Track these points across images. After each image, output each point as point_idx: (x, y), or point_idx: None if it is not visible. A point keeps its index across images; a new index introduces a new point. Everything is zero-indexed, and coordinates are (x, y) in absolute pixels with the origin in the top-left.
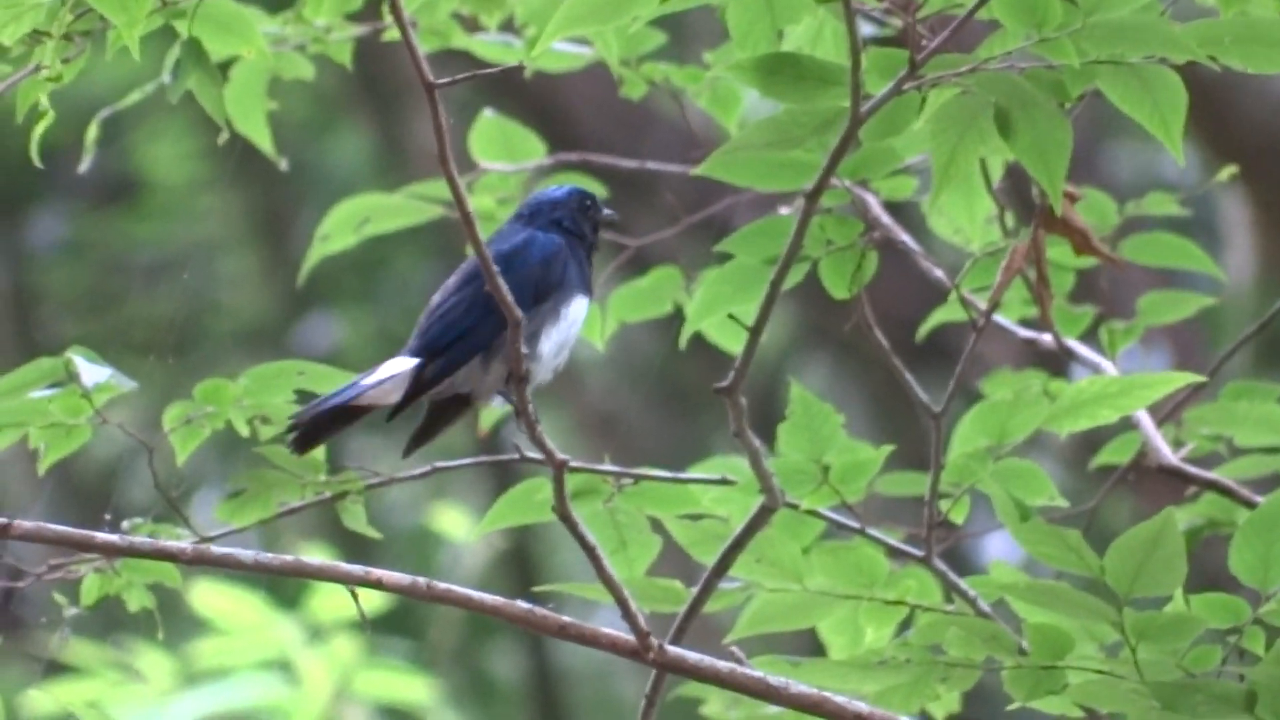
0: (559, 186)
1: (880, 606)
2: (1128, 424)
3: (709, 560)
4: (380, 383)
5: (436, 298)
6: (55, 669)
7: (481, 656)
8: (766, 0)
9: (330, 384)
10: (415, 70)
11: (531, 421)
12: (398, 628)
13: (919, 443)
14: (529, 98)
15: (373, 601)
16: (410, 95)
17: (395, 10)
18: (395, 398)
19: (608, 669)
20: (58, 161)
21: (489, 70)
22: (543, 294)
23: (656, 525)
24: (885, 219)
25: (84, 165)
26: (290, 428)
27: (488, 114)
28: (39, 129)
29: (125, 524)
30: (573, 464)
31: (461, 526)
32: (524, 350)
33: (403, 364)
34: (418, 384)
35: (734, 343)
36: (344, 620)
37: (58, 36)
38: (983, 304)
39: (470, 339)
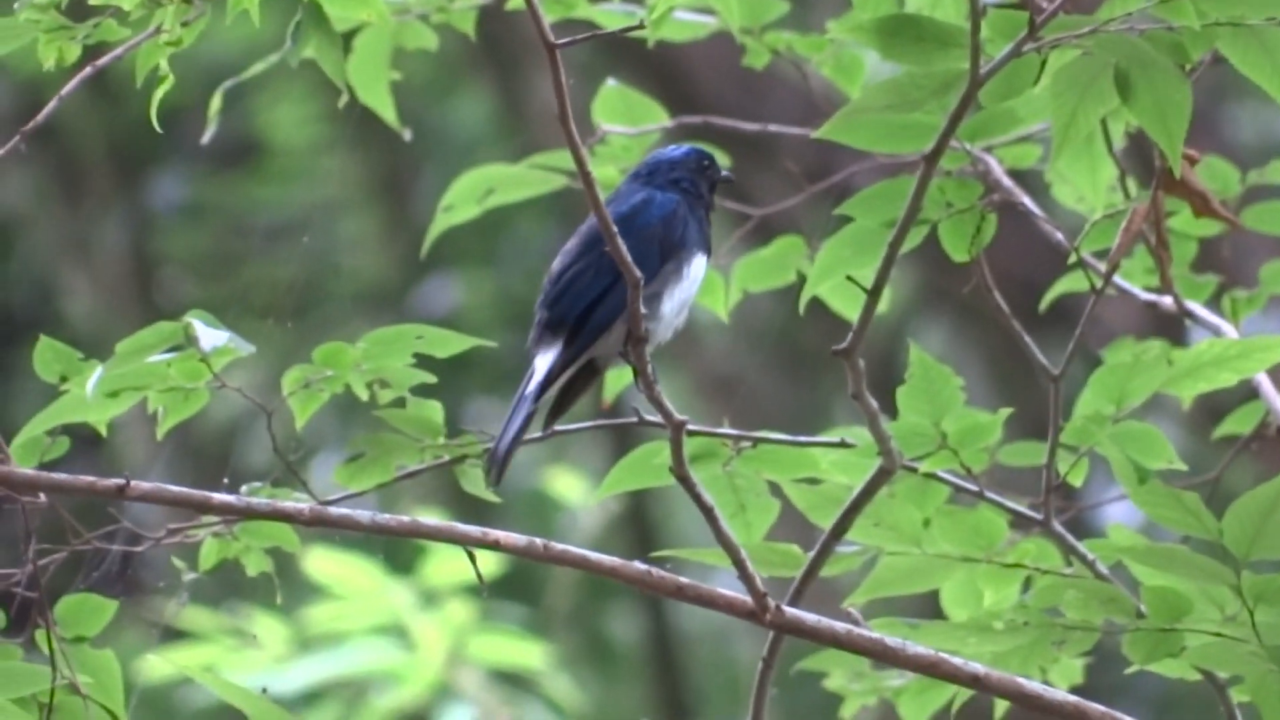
0: (677, 146)
1: (999, 570)
2: (1251, 392)
3: (827, 524)
4: (541, 386)
5: (557, 264)
6: (173, 634)
7: (598, 619)
8: None
9: (448, 347)
10: (537, 31)
11: (650, 382)
12: (514, 592)
13: (1038, 406)
14: (651, 62)
15: (489, 566)
16: (531, 57)
17: None
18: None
19: (725, 631)
20: (179, 124)
21: (609, 31)
22: (668, 252)
23: (775, 489)
24: (1006, 181)
25: (206, 136)
26: (488, 469)
27: (611, 83)
28: (158, 94)
29: (243, 488)
30: (691, 426)
31: (578, 490)
32: (644, 311)
33: (549, 355)
34: (564, 365)
35: (852, 308)
36: (458, 585)
37: (177, 2)
38: (1103, 267)
39: (604, 307)
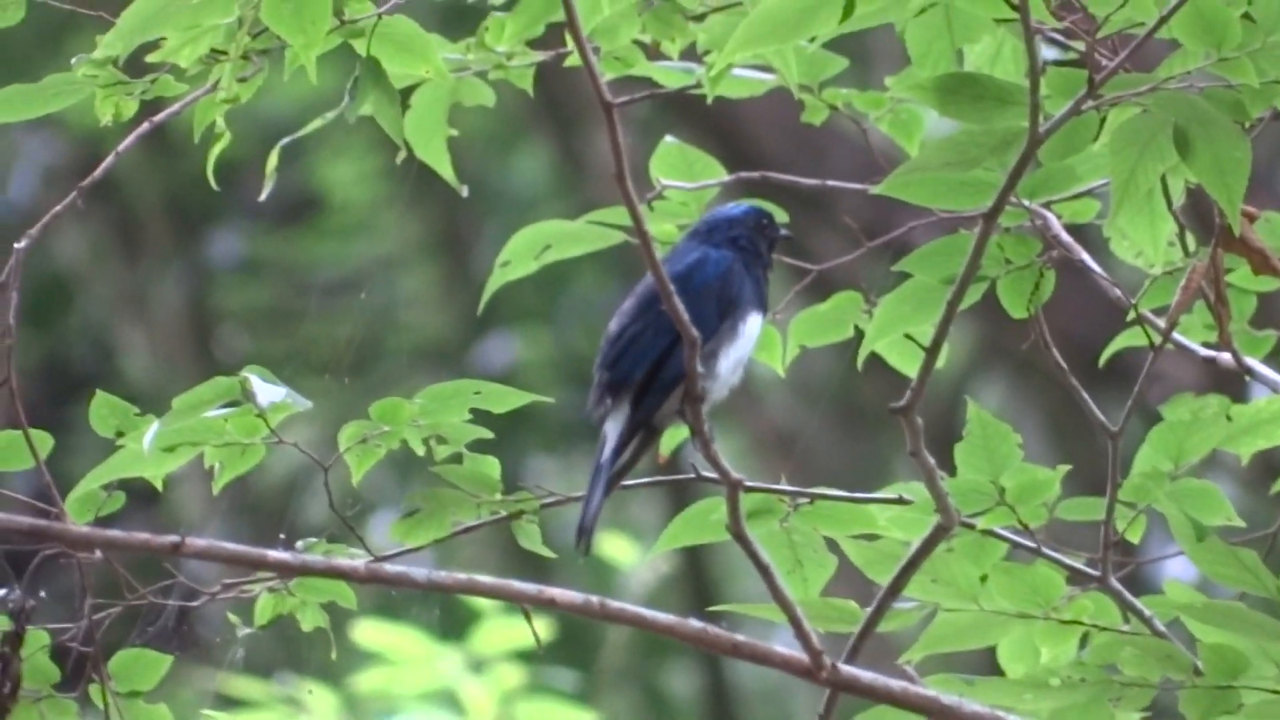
0: (736, 205)
1: (1056, 626)
2: None
3: (884, 580)
4: (616, 452)
5: (615, 324)
6: (226, 695)
7: (654, 676)
8: (945, 19)
9: (505, 402)
10: (594, 90)
11: (707, 441)
12: (569, 654)
13: (1095, 463)
14: (710, 119)
15: (543, 628)
16: (591, 114)
17: (574, 29)
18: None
19: (781, 688)
20: (237, 180)
21: (666, 90)
22: (725, 310)
23: (832, 545)
24: (1065, 237)
25: (264, 194)
26: (578, 544)
27: (669, 140)
28: (215, 151)
29: (299, 544)
30: (748, 483)
31: (630, 553)
32: (700, 370)
33: (618, 420)
34: (634, 429)
35: (910, 364)
36: (510, 651)
37: (234, 59)
38: (1161, 323)
39: (669, 368)
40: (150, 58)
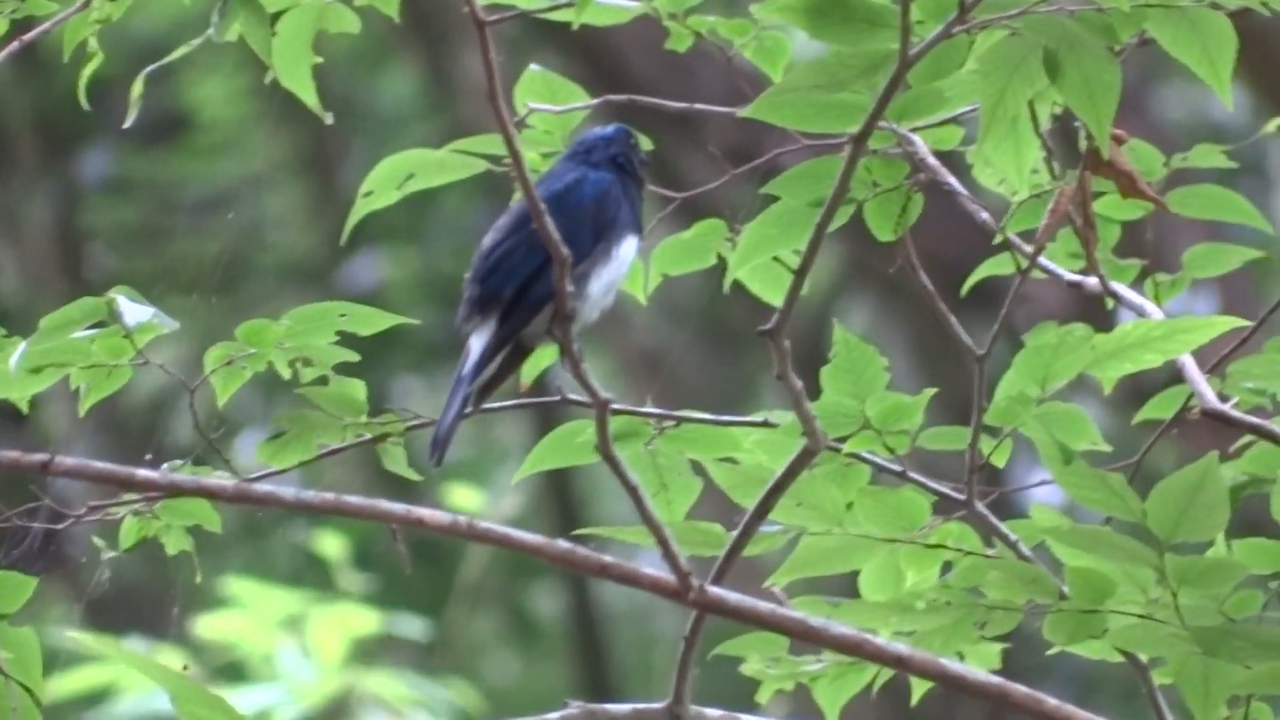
0: (606, 126)
1: (921, 550)
2: (1174, 376)
3: (750, 503)
4: (477, 366)
5: (489, 239)
6: (93, 611)
7: (519, 597)
8: None
9: (372, 324)
10: (468, 7)
11: (576, 361)
12: (430, 576)
13: (963, 386)
14: (578, 40)
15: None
16: (458, 33)
17: None
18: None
19: (645, 610)
20: (107, 99)
21: (538, 9)
22: (599, 232)
23: (697, 468)
24: (931, 160)
25: (128, 120)
26: (430, 449)
27: (534, 68)
28: (87, 71)
29: (165, 465)
30: (615, 405)
31: (476, 502)
32: (571, 289)
33: (483, 335)
34: (499, 345)
35: (775, 291)
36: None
37: None
38: (1028, 248)
39: (538, 285)
40: None
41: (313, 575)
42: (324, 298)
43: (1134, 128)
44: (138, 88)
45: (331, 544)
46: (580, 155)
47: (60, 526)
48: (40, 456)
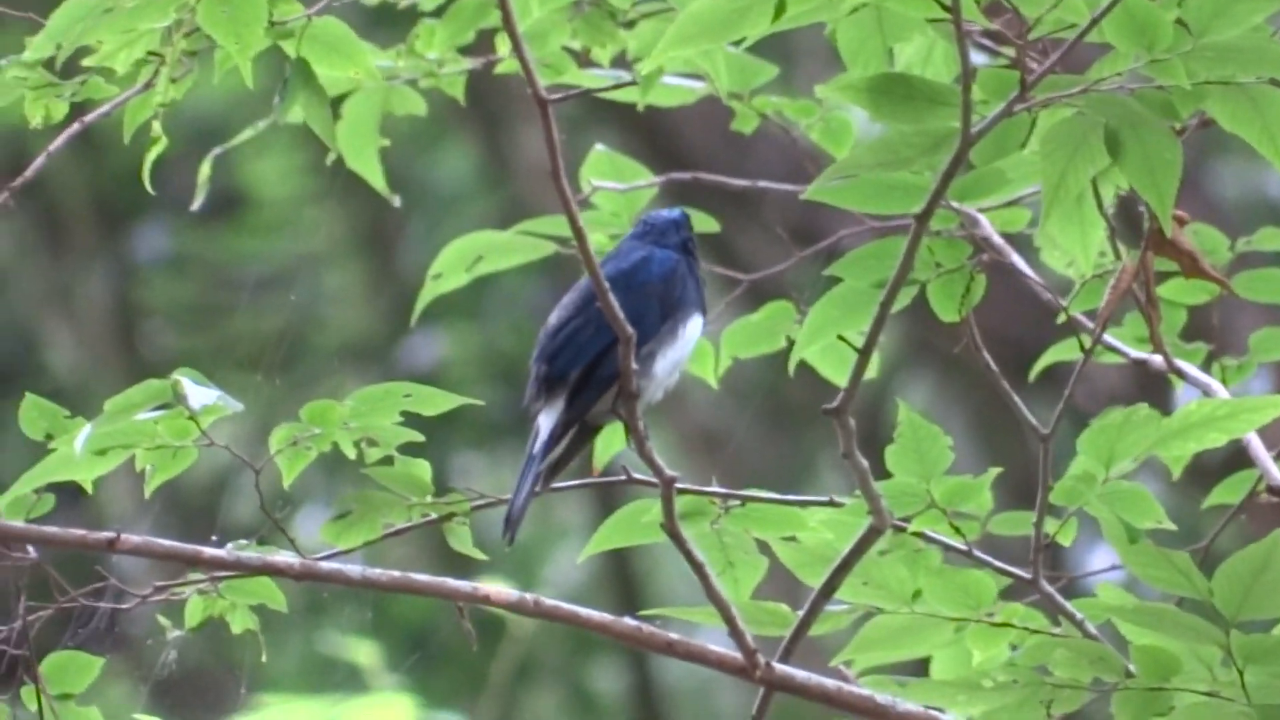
0: (670, 209)
1: (987, 629)
2: (1236, 454)
3: (815, 582)
4: (547, 445)
5: (555, 318)
6: (159, 690)
7: (580, 674)
8: (877, 20)
9: (436, 405)
10: (530, 85)
11: (642, 439)
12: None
13: (1022, 463)
14: (639, 118)
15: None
16: (518, 111)
17: (509, 28)
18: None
19: (708, 687)
20: (164, 176)
21: (601, 88)
22: (667, 311)
23: (762, 546)
24: (996, 239)
25: (196, 203)
26: (505, 533)
27: (599, 148)
28: (151, 155)
29: (229, 544)
30: (680, 484)
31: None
32: (636, 368)
33: (552, 414)
34: (568, 424)
35: (840, 371)
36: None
37: (171, 64)
38: (1091, 326)
39: (606, 364)
40: (85, 62)
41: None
42: (383, 376)
43: (1190, 204)
44: (205, 170)
45: (363, 649)
46: (650, 236)
47: (126, 607)
48: (106, 534)
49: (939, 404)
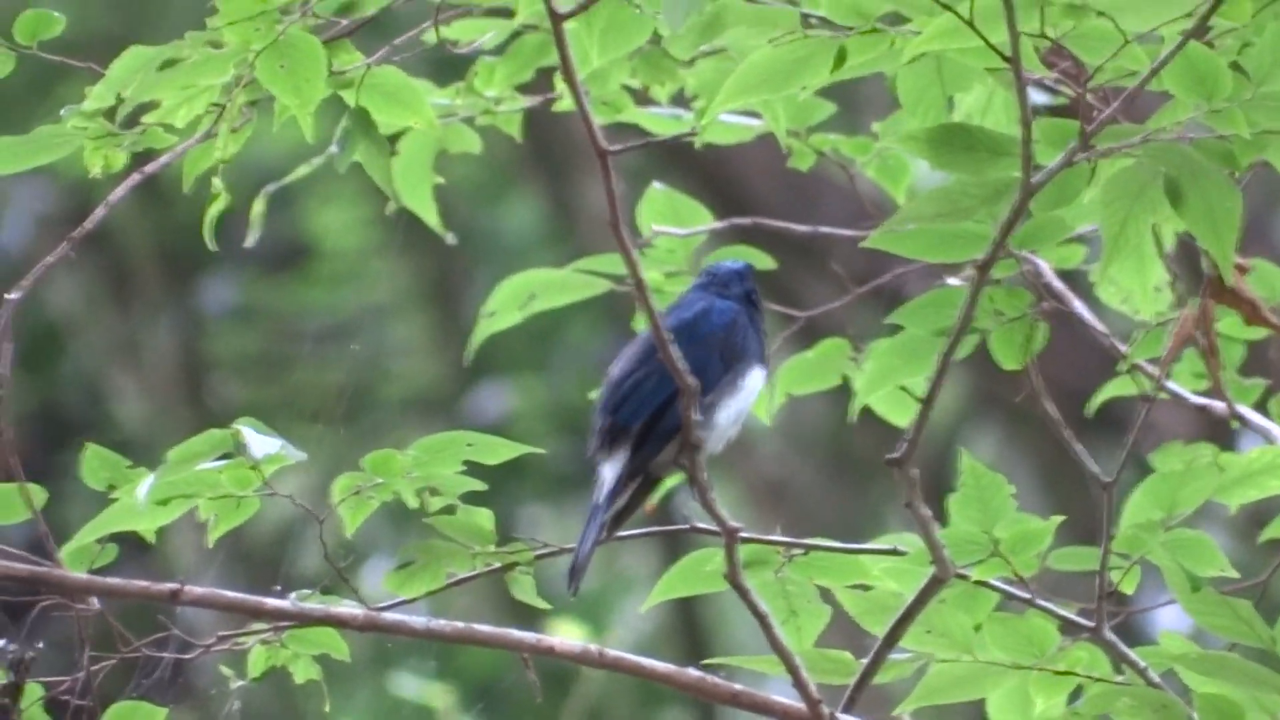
0: (734, 260)
1: (1050, 677)
2: None
3: (878, 631)
4: (611, 494)
5: (618, 369)
6: None
7: None
8: (937, 69)
9: (498, 454)
10: (589, 137)
11: (704, 489)
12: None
13: (1089, 512)
14: (700, 165)
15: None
16: (581, 162)
17: (569, 77)
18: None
19: None
20: (228, 227)
21: (661, 138)
22: (729, 362)
23: (825, 595)
24: (1057, 285)
25: (250, 241)
26: (570, 583)
27: (657, 186)
28: (212, 211)
29: (293, 594)
30: (744, 534)
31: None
32: (698, 418)
33: (616, 464)
34: (632, 474)
35: (902, 415)
36: None
37: (231, 119)
38: (1153, 372)
39: (668, 416)
40: (146, 118)
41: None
42: (449, 428)
43: (1258, 252)
44: (258, 207)
45: (437, 693)
46: (714, 286)
47: (190, 656)
48: (170, 585)
49: (1006, 454)
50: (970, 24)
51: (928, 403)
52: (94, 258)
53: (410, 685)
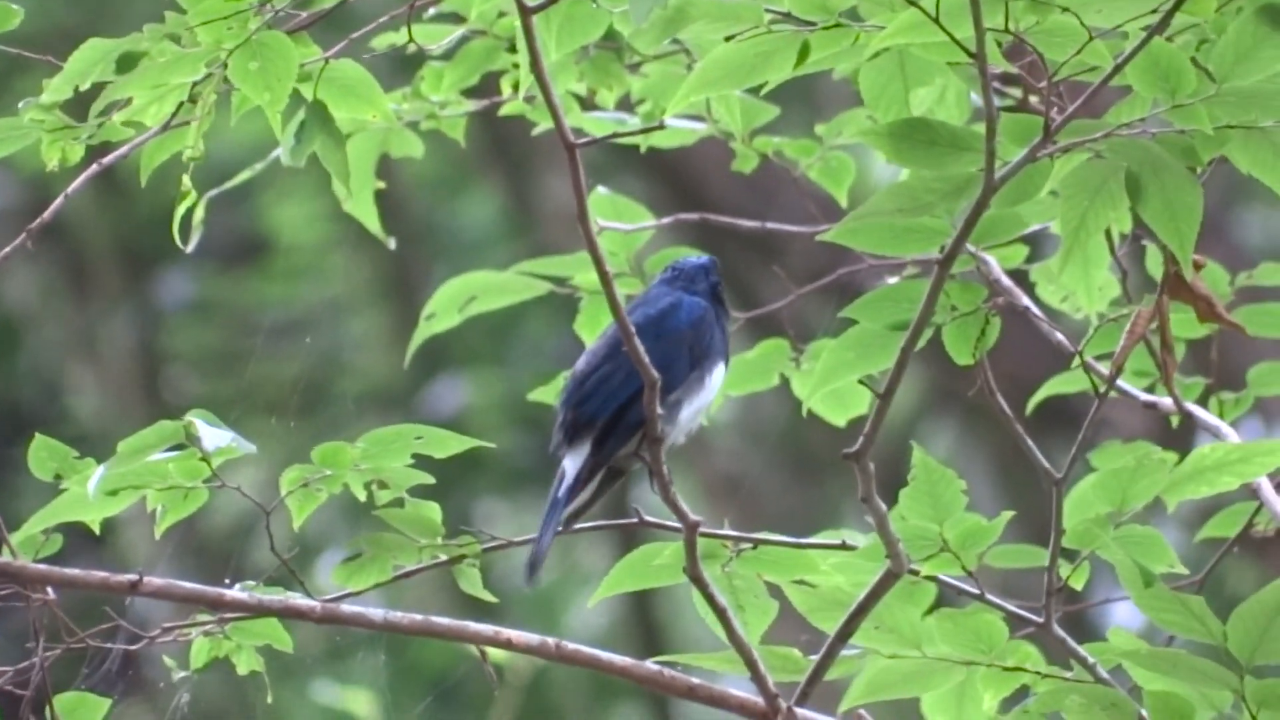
0: (699, 255)
1: (999, 673)
2: (1247, 495)
3: (827, 626)
4: (572, 488)
5: (583, 363)
6: None
7: (602, 719)
8: (899, 64)
9: (447, 447)
10: (557, 130)
11: (666, 483)
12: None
13: (1045, 508)
14: (659, 163)
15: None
16: (540, 157)
17: (538, 70)
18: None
19: None
20: (186, 221)
21: (630, 132)
22: (697, 358)
23: (773, 590)
24: (1006, 282)
25: (190, 245)
26: (528, 576)
27: (600, 190)
28: (180, 209)
29: (236, 586)
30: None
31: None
32: (662, 413)
33: (578, 458)
34: (594, 469)
35: (839, 415)
36: None
37: (204, 116)
38: (1104, 369)
39: (632, 411)
40: (118, 118)
41: None
42: (405, 422)
43: (1214, 251)
44: (199, 212)
45: (360, 699)
46: (679, 281)
47: (135, 647)
48: (129, 576)
49: (963, 450)
50: (936, 20)
51: (886, 397)
52: (51, 251)
53: (329, 692)
